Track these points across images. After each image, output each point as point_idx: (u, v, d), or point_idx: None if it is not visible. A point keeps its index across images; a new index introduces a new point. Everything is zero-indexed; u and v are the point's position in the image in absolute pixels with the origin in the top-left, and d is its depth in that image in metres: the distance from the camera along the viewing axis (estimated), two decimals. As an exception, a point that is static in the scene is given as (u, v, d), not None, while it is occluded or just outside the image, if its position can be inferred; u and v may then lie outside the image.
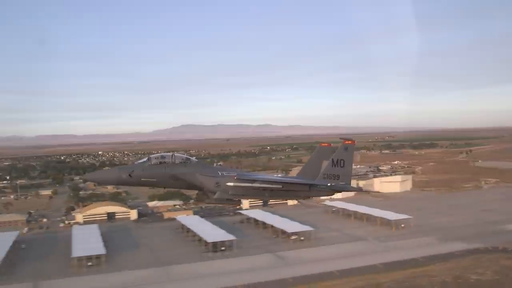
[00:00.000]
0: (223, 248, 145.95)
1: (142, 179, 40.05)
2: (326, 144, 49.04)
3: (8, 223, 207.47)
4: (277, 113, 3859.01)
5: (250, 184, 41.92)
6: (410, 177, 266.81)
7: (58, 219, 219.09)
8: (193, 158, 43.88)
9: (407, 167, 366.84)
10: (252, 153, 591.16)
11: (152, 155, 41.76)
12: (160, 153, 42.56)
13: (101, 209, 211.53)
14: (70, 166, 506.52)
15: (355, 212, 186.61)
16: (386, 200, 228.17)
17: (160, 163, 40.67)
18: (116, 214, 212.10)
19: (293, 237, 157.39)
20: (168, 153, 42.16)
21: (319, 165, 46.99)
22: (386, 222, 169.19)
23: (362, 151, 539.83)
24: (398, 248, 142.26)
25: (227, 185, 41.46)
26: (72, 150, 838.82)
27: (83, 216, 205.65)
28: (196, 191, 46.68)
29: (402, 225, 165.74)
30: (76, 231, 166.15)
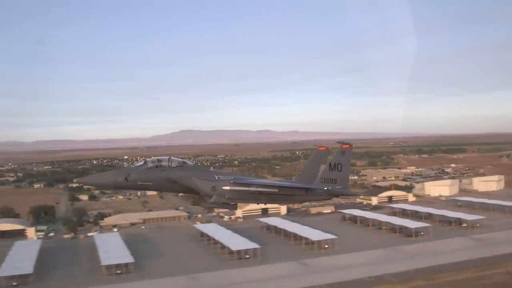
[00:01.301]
0: (422, 233, 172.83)
1: (139, 183, 40.71)
2: (324, 148, 49.62)
3: (173, 218, 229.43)
4: (276, 118, 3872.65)
5: (246, 188, 42.22)
6: (502, 177, 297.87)
7: (210, 214, 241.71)
8: (189, 162, 44.34)
9: (469, 169, 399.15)
10: (289, 157, 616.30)
11: (149, 159, 42.24)
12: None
13: (255, 205, 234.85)
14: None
15: (494, 205, 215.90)
16: (492, 197, 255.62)
17: (157, 166, 40.99)
18: (268, 210, 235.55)
19: (464, 225, 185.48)
20: (165, 157, 42.10)
21: (317, 169, 47.41)
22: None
23: (400, 155, 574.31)
24: None
25: (223, 189, 41.72)
26: (80, 155, 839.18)
27: (242, 211, 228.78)
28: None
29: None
30: (278, 222, 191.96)
